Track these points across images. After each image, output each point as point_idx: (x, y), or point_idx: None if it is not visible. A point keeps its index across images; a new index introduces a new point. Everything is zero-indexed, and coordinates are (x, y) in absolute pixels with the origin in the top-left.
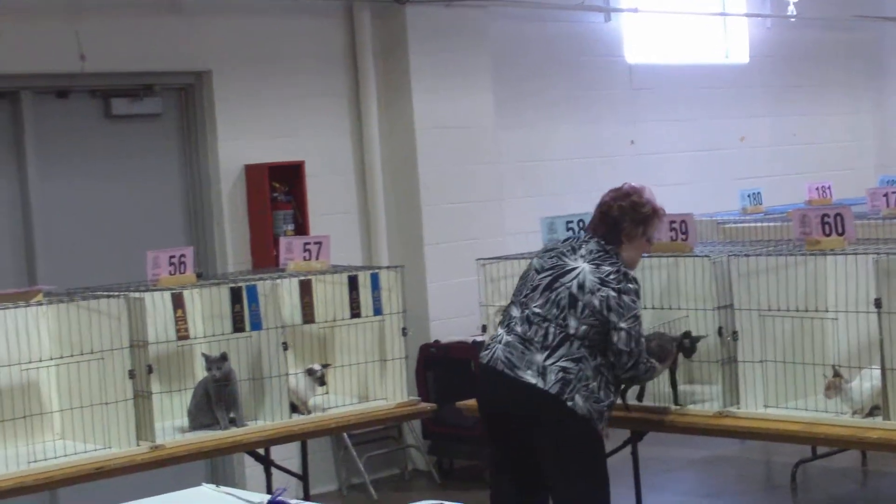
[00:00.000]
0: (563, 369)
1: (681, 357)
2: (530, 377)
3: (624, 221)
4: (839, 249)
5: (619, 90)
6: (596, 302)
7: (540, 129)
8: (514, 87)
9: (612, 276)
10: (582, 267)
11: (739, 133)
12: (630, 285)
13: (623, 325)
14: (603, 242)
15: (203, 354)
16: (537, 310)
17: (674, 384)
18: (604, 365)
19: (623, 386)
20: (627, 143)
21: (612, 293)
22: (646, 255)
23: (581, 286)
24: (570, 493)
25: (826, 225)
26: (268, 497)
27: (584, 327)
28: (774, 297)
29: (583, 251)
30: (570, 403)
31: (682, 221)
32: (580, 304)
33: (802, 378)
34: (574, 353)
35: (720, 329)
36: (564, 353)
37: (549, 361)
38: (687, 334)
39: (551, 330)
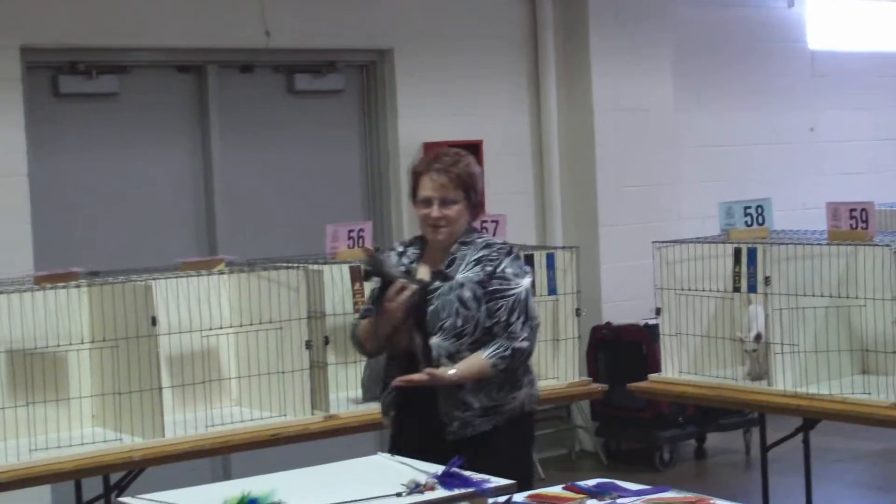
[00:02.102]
0: None
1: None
2: None
3: None
4: None
5: (800, 76)
6: None
7: (719, 114)
8: (694, 71)
9: None
10: None
11: None
12: None
13: None
14: None
15: None
16: None
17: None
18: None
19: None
20: (807, 131)
21: None
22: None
23: None
24: None
25: None
26: (442, 468)
27: None
28: None
29: None
30: None
31: (863, 210)
32: None
33: None
34: None
35: None
36: None
37: None
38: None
39: None
